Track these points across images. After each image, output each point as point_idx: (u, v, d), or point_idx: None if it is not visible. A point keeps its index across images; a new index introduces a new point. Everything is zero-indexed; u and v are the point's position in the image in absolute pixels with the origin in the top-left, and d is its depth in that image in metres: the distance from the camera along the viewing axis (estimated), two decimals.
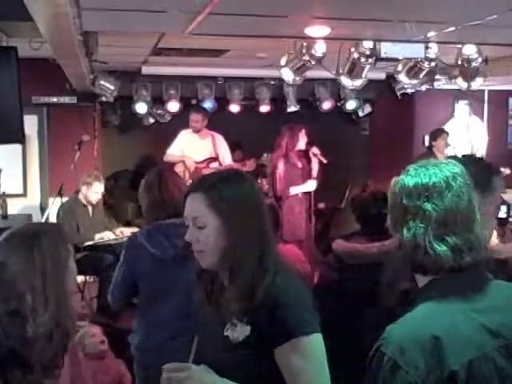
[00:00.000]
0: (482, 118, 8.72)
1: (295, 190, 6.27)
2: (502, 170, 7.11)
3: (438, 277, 1.46)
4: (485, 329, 1.39)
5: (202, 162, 6.87)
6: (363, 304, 3.00)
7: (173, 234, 2.82)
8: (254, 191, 1.82)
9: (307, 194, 6.37)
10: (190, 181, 6.76)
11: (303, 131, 6.26)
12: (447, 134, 7.30)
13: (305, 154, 6.36)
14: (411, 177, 1.49)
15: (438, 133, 7.33)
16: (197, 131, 6.85)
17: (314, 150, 6.29)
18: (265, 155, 6.79)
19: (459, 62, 5.11)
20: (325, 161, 6.26)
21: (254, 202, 1.80)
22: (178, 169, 6.83)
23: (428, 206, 1.45)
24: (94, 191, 5.95)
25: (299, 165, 6.35)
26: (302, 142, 6.28)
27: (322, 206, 7.57)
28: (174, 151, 6.85)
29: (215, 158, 6.94)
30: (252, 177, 1.97)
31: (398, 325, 1.43)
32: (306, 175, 6.35)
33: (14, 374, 1.26)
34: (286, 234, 5.90)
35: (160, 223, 2.96)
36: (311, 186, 6.32)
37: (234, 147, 7.75)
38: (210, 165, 6.90)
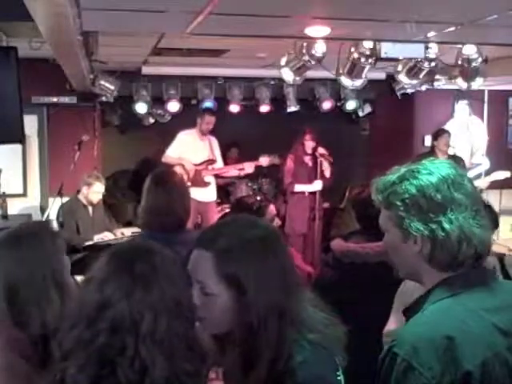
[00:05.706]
0: (482, 118, 8.71)
1: (300, 188, 6.59)
2: (503, 173, 7.11)
3: (452, 274, 1.45)
4: (496, 328, 1.38)
5: (200, 163, 6.87)
6: (359, 302, 3.00)
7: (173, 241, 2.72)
8: (279, 252, 1.48)
9: (313, 193, 6.63)
10: (190, 183, 6.79)
11: (309, 135, 6.60)
12: (449, 134, 7.30)
13: (312, 156, 6.63)
14: (428, 175, 1.48)
15: (439, 133, 7.33)
16: (205, 133, 6.89)
17: (320, 150, 6.48)
18: (272, 156, 6.93)
19: (459, 62, 5.11)
20: (331, 160, 6.48)
21: (281, 269, 1.45)
22: (177, 172, 6.84)
23: (458, 196, 1.44)
24: (95, 191, 5.93)
25: (309, 164, 6.67)
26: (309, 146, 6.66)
27: (326, 205, 7.59)
28: (172, 153, 6.85)
29: (213, 160, 6.96)
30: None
31: (410, 326, 1.41)
32: (314, 175, 6.59)
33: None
34: (287, 227, 6.44)
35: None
36: (317, 186, 6.55)
37: (230, 145, 7.82)
38: (209, 166, 6.93)
